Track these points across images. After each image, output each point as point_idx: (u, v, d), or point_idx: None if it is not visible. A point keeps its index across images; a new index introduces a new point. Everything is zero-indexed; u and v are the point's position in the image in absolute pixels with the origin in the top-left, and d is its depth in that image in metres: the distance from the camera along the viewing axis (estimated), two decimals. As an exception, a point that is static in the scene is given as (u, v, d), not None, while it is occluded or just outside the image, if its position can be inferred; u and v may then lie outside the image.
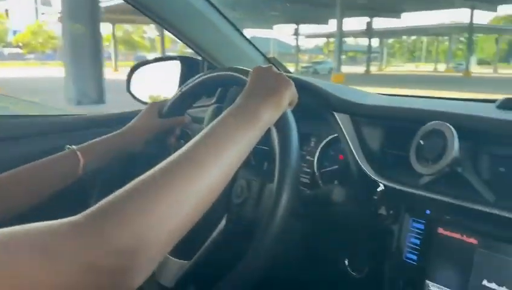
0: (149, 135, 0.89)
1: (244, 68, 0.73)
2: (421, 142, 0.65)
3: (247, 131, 0.56)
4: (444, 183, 0.65)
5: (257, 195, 0.73)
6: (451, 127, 0.61)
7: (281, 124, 0.63)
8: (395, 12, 30.89)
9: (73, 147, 0.80)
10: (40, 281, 0.35)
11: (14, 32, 50.76)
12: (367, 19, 28.35)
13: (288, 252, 0.75)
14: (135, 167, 0.95)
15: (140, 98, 1.37)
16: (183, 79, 1.29)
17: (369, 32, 28.94)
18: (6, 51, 50.15)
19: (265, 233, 0.60)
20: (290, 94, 0.65)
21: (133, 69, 1.38)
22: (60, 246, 0.36)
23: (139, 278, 0.41)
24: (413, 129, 0.68)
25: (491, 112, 0.68)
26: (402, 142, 0.72)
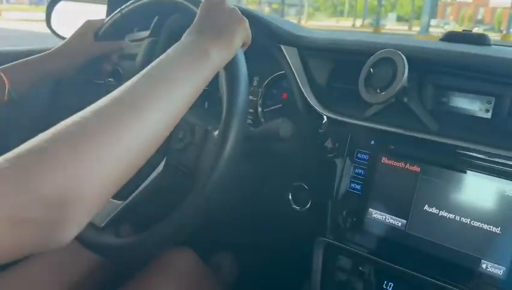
0: (82, 58, 0.80)
1: None
2: (371, 70, 0.64)
3: (195, 72, 0.49)
4: (389, 114, 0.66)
5: (200, 142, 0.68)
6: (402, 55, 0.60)
7: (231, 67, 0.58)
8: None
9: None
10: None
11: None
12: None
13: (233, 190, 0.73)
14: (66, 97, 0.86)
15: (63, 35, 1.25)
16: (110, 11, 1.18)
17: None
18: None
19: (208, 180, 0.57)
20: (244, 34, 0.59)
21: (53, 2, 1.24)
22: None
23: (72, 230, 0.36)
24: (362, 61, 0.67)
25: (435, 44, 0.68)
26: (349, 75, 0.71)
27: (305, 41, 0.77)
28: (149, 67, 0.47)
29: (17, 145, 0.37)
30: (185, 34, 0.55)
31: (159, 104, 0.43)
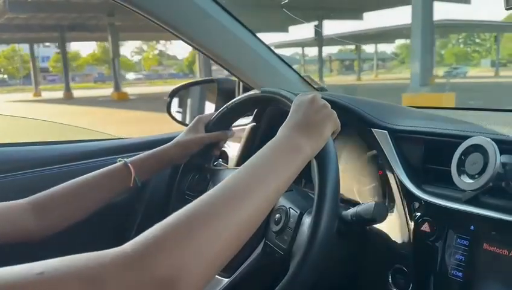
0: (195, 147, 0.92)
1: (291, 94, 0.75)
2: (462, 157, 0.64)
3: (288, 164, 0.56)
4: (488, 198, 0.64)
5: (295, 225, 0.74)
6: (492, 142, 0.60)
7: (322, 155, 0.64)
8: (354, 13, 24.38)
9: (125, 160, 0.84)
10: None
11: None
12: (315, 24, 22.35)
13: (330, 270, 0.76)
14: (179, 178, 0.99)
15: (180, 120, 1.42)
16: (220, 100, 1.33)
17: (319, 39, 24.92)
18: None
19: (301, 264, 0.62)
20: (333, 126, 0.66)
21: (173, 93, 1.43)
22: (108, 277, 0.38)
23: None
24: (454, 144, 0.68)
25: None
26: (442, 157, 0.71)
27: (394, 125, 0.80)
28: (248, 162, 0.55)
29: (139, 225, 0.44)
30: (279, 130, 0.63)
31: (258, 193, 0.51)
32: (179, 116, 1.42)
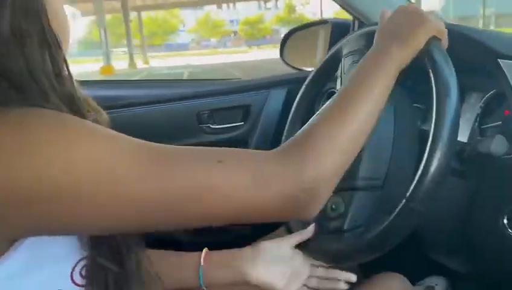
0: None
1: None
2: None
3: (382, 71, 0.58)
4: None
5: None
6: None
7: (432, 63, 0.62)
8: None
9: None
10: (246, 200, 0.44)
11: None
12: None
13: (444, 210, 0.72)
14: None
15: (292, 64, 1.42)
16: (332, 43, 1.28)
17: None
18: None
19: (417, 190, 0.59)
20: (427, 31, 0.63)
21: (286, 36, 1.43)
22: (266, 172, 0.45)
23: (319, 205, 0.49)
24: None
25: None
26: None
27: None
28: (352, 75, 0.59)
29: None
30: (373, 42, 0.64)
31: (367, 95, 0.55)
32: (290, 61, 1.42)
